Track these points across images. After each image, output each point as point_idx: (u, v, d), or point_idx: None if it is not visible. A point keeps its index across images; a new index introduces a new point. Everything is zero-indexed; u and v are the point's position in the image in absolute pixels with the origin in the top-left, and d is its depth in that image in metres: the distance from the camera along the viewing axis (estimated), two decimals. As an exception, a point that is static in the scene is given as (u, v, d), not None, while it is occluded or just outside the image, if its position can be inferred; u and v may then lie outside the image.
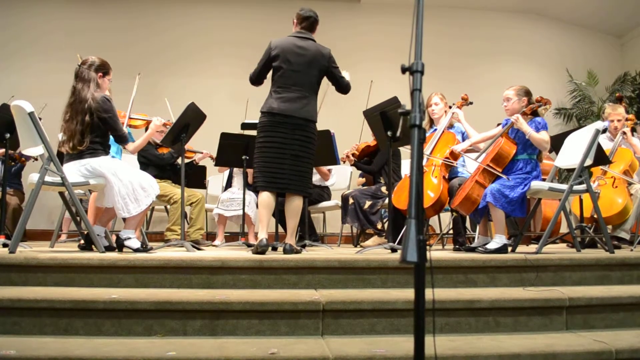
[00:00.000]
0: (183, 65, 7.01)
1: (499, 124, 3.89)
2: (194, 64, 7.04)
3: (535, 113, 3.50)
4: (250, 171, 4.72)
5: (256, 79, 3.54)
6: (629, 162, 4.34)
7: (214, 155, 4.89)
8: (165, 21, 7.09)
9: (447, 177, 3.88)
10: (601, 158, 3.80)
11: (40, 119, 3.22)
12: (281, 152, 3.34)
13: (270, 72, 3.49)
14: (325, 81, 3.60)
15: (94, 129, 3.24)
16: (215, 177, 6.25)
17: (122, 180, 3.17)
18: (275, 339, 2.24)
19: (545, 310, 2.46)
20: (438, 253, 3.58)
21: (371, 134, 4.41)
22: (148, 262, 2.66)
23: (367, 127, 4.02)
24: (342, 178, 5.87)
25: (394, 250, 3.40)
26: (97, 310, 2.27)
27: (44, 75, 6.50)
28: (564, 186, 3.46)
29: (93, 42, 6.42)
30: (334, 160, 4.63)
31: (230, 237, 5.82)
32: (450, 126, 4.13)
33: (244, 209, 4.85)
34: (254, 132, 3.58)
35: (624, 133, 4.38)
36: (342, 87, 3.58)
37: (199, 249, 3.81)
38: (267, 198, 3.34)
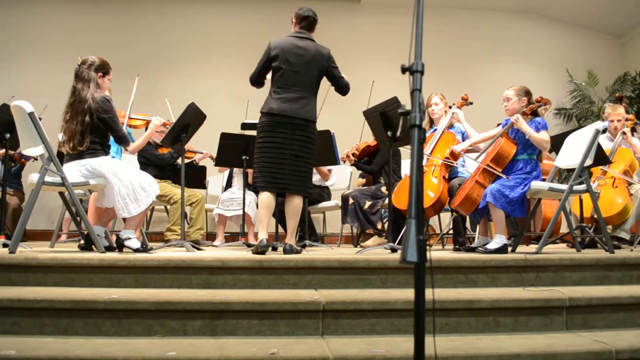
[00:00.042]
0: (183, 65, 7.01)
1: (499, 124, 3.89)
2: (194, 64, 7.04)
3: (535, 113, 3.50)
4: (250, 171, 4.72)
5: (256, 80, 3.54)
6: (629, 162, 4.34)
7: (214, 155, 4.90)
8: (165, 21, 7.10)
9: (447, 177, 3.88)
10: (601, 158, 3.80)
11: (40, 119, 3.22)
12: (281, 152, 3.33)
13: (270, 73, 3.49)
14: (326, 82, 3.60)
15: (94, 130, 3.24)
16: (215, 177, 6.25)
17: (122, 181, 3.17)
18: (275, 339, 2.24)
19: (545, 310, 2.46)
20: (438, 253, 3.58)
21: (371, 134, 4.40)
22: (148, 262, 2.65)
23: (367, 127, 4.02)
24: (342, 178, 5.87)
25: (394, 250, 3.40)
26: (97, 311, 2.27)
27: (44, 75, 6.50)
28: (564, 186, 3.46)
29: (93, 42, 6.43)
30: (334, 161, 4.63)
31: (230, 237, 5.82)
32: (450, 126, 4.13)
33: (244, 208, 4.85)
34: (254, 132, 3.58)
35: (624, 133, 4.38)
36: (342, 87, 3.57)
37: (199, 249, 3.81)
38: (267, 198, 3.34)
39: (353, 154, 4.87)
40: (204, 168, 5.74)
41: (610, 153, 4.26)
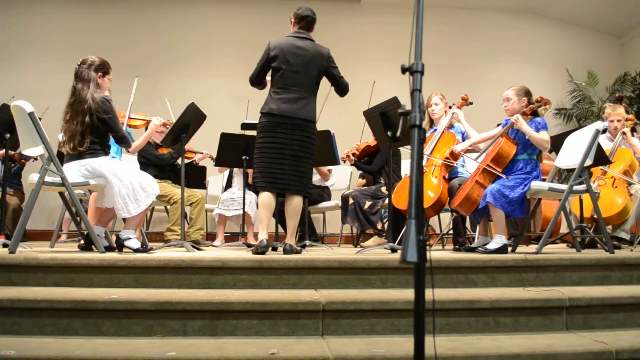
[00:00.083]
0: (183, 65, 7.01)
1: (499, 124, 3.89)
2: (194, 64, 7.04)
3: (535, 113, 3.50)
4: (251, 171, 4.72)
5: (256, 81, 3.53)
6: (629, 162, 4.34)
7: (214, 155, 4.90)
8: (165, 21, 7.10)
9: (447, 177, 3.88)
10: (601, 158, 3.80)
11: (40, 119, 3.22)
12: (281, 153, 3.33)
13: (269, 73, 3.49)
14: (327, 82, 3.59)
15: (94, 130, 3.24)
16: (215, 178, 6.25)
17: (122, 181, 3.17)
18: (275, 339, 2.24)
19: (545, 310, 2.46)
20: (438, 253, 3.58)
21: (371, 134, 4.40)
22: (148, 263, 2.65)
23: (367, 127, 4.02)
24: (342, 178, 5.87)
25: (394, 250, 3.40)
26: (97, 311, 2.27)
27: (44, 76, 6.50)
28: (564, 186, 3.46)
29: (93, 42, 6.43)
30: (334, 161, 4.63)
31: (230, 237, 5.82)
32: (450, 126, 4.13)
33: (244, 209, 4.85)
34: (254, 133, 3.58)
35: (624, 133, 4.38)
36: (341, 87, 3.57)
37: (199, 249, 3.81)
38: (267, 198, 3.34)
39: (353, 154, 4.87)
40: (204, 168, 5.75)
41: (610, 153, 4.26)
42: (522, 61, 7.46)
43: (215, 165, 5.10)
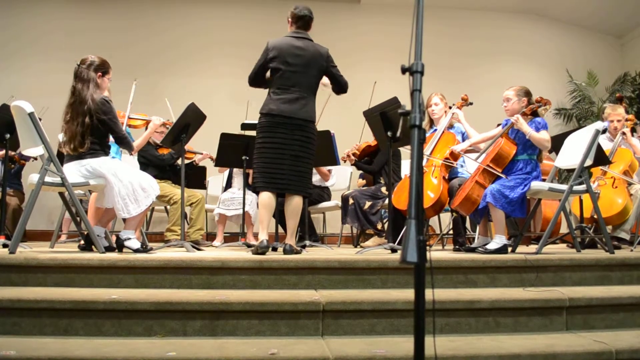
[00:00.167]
0: (183, 65, 7.01)
1: (499, 125, 3.89)
2: (194, 64, 7.04)
3: (535, 113, 3.50)
4: (251, 171, 4.72)
5: (254, 81, 3.53)
6: (629, 162, 4.34)
7: (214, 156, 4.90)
8: (165, 21, 7.10)
9: (447, 177, 3.88)
10: (601, 158, 3.80)
11: (40, 119, 3.21)
12: (281, 153, 3.33)
13: (269, 73, 3.48)
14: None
15: (94, 131, 3.24)
16: (215, 178, 6.25)
17: (122, 181, 3.17)
18: (275, 340, 2.24)
19: (546, 310, 2.46)
20: (438, 253, 3.58)
21: (371, 134, 4.40)
22: (148, 263, 2.65)
23: (367, 128, 4.02)
24: (342, 178, 5.87)
25: (394, 250, 3.40)
26: (97, 311, 2.27)
27: (44, 76, 6.50)
28: (564, 186, 3.46)
29: (93, 42, 6.42)
30: (334, 161, 4.63)
31: (230, 238, 5.82)
32: (450, 126, 4.13)
33: (244, 209, 4.85)
34: (254, 133, 3.58)
35: (624, 133, 4.38)
36: (341, 86, 3.56)
37: (198, 250, 3.81)
38: (267, 198, 3.34)
39: (353, 154, 4.87)
40: (204, 168, 5.75)
41: (610, 153, 4.26)
42: (522, 61, 7.46)
43: (215, 165, 5.10)
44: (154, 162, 4.72)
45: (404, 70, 1.46)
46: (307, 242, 4.22)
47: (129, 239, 3.23)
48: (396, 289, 2.64)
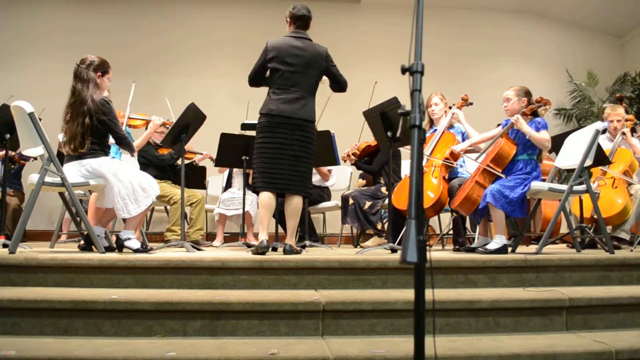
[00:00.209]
0: (183, 65, 7.01)
1: (499, 125, 3.89)
2: (194, 64, 7.04)
3: (535, 113, 3.50)
4: (251, 171, 4.72)
5: (253, 81, 3.53)
6: (629, 162, 4.34)
7: (214, 156, 4.90)
8: (165, 21, 7.10)
9: (447, 177, 3.88)
10: (601, 158, 3.80)
11: (40, 119, 3.21)
12: (280, 153, 3.33)
13: (268, 73, 3.48)
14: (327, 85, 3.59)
15: (94, 131, 3.24)
16: (215, 178, 6.25)
17: (122, 181, 3.17)
18: (275, 340, 2.24)
19: (545, 310, 2.46)
20: (438, 253, 3.58)
21: (371, 134, 4.40)
22: (148, 263, 2.65)
23: (367, 128, 4.02)
24: (342, 178, 5.87)
25: (394, 250, 3.40)
26: (97, 311, 2.27)
27: (44, 76, 6.50)
28: (564, 187, 3.46)
29: (93, 42, 6.42)
30: (334, 161, 4.63)
31: (230, 238, 5.82)
32: (450, 126, 4.13)
33: (244, 209, 4.85)
34: (253, 133, 3.58)
35: (624, 133, 4.38)
36: (341, 84, 3.56)
37: (198, 250, 3.81)
38: (267, 198, 3.34)
39: (354, 154, 4.87)
40: (203, 168, 5.75)
41: (610, 153, 4.26)
42: (522, 61, 7.46)
43: (215, 165, 5.11)
44: (154, 162, 4.72)
45: (404, 70, 1.46)
46: (307, 242, 4.22)
47: (129, 239, 3.23)
48: (396, 289, 2.64)
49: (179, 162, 4.30)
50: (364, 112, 3.85)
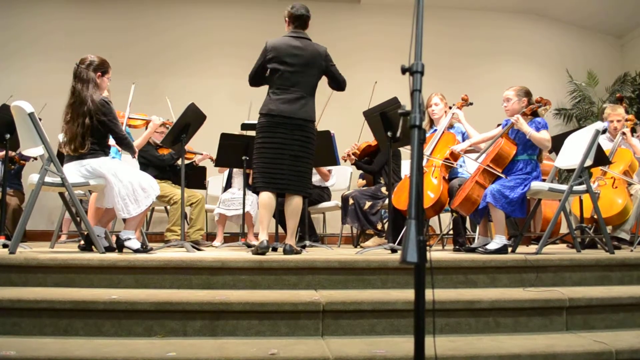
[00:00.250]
0: (183, 65, 7.01)
1: (499, 125, 3.89)
2: (194, 64, 7.04)
3: (535, 113, 3.50)
4: (251, 172, 4.72)
5: (254, 80, 3.53)
6: (629, 162, 4.34)
7: (214, 156, 4.90)
8: (165, 21, 7.10)
9: (447, 177, 3.88)
10: (601, 158, 3.80)
11: (40, 119, 3.22)
12: (280, 153, 3.33)
13: (268, 72, 3.48)
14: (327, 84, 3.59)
15: (94, 132, 3.24)
16: (215, 178, 6.25)
17: (122, 181, 3.17)
18: (275, 340, 2.24)
19: (546, 310, 2.46)
20: (438, 253, 3.58)
21: (371, 134, 4.40)
22: (148, 263, 2.65)
23: (367, 127, 4.02)
24: (342, 179, 5.87)
25: (394, 250, 3.40)
26: (97, 311, 2.27)
27: (44, 76, 6.50)
28: (564, 187, 3.46)
29: (93, 42, 6.42)
30: (334, 161, 4.63)
31: (230, 238, 5.82)
32: (450, 126, 4.13)
33: (244, 209, 4.85)
34: (254, 133, 3.58)
35: (624, 133, 4.38)
36: (340, 83, 3.56)
37: (199, 250, 3.81)
38: (267, 198, 3.34)
39: (354, 154, 4.87)
40: (203, 168, 5.75)
41: (610, 153, 4.26)
42: (522, 61, 7.46)
43: (215, 165, 5.11)
44: (154, 163, 4.72)
45: (404, 71, 1.46)
46: (307, 242, 4.22)
47: (129, 239, 3.23)
48: (396, 289, 2.64)
49: (179, 162, 4.30)
50: (364, 112, 3.85)
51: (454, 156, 3.85)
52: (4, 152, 4.17)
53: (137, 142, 3.77)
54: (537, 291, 2.59)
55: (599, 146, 3.64)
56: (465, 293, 2.55)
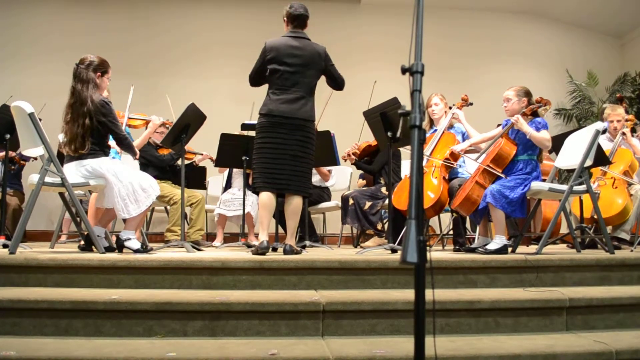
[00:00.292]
0: (183, 65, 7.01)
1: (499, 125, 3.89)
2: (194, 64, 7.04)
3: (535, 114, 3.50)
4: (251, 172, 4.72)
5: (254, 80, 3.54)
6: (629, 162, 4.34)
7: (214, 156, 4.90)
8: (165, 22, 7.09)
9: (447, 177, 3.88)
10: (601, 159, 3.80)
11: (40, 119, 3.22)
12: (280, 153, 3.33)
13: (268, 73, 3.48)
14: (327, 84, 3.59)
15: (94, 132, 3.24)
16: (215, 178, 6.25)
17: (122, 181, 3.17)
18: (276, 340, 2.24)
19: (546, 310, 2.45)
20: (438, 254, 3.58)
21: (371, 134, 4.40)
22: (148, 263, 2.65)
23: (367, 128, 4.02)
24: (342, 179, 5.87)
25: (394, 251, 3.40)
26: (97, 311, 2.27)
27: (44, 76, 6.50)
28: (564, 187, 3.46)
29: (93, 42, 6.41)
30: (334, 161, 4.63)
31: (230, 238, 5.82)
32: (450, 127, 4.13)
33: (244, 209, 4.85)
34: (254, 133, 3.58)
35: (624, 134, 4.38)
36: (338, 83, 3.56)
37: (199, 250, 3.81)
38: (267, 199, 3.34)
39: (354, 154, 4.87)
40: (203, 169, 5.75)
41: (610, 153, 4.26)
42: (523, 62, 7.46)
43: (216, 165, 5.11)
44: (154, 163, 4.73)
45: (404, 71, 1.46)
46: (307, 243, 4.22)
47: (129, 239, 3.24)
48: (396, 289, 2.64)
49: (179, 162, 4.30)
50: (364, 112, 3.85)
51: (454, 156, 3.85)
52: (4, 153, 4.17)
53: (137, 142, 3.77)
54: (537, 291, 2.59)
55: (599, 146, 3.64)
56: (466, 293, 2.55)
